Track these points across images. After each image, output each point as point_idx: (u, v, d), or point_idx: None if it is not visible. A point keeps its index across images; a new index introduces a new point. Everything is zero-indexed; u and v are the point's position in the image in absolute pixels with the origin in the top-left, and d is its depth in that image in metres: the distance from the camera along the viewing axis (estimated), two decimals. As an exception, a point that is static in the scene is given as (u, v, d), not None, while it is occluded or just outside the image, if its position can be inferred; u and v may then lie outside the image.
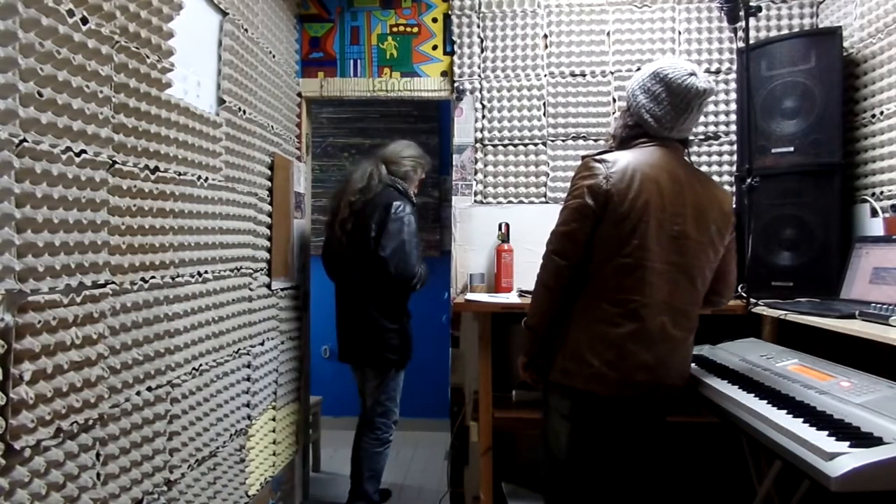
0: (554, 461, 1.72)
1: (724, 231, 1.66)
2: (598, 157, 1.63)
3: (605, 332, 1.57)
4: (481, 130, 2.83)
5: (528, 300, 1.93)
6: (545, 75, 2.79)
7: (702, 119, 2.72)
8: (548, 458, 1.75)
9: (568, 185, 1.71)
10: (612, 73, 2.76)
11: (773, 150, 2.31)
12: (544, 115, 2.79)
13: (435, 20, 2.92)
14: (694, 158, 2.73)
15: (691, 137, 1.78)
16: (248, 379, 2.19)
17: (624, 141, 1.69)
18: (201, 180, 1.81)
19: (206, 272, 1.84)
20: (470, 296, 2.50)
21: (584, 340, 1.60)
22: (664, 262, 1.56)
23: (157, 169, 1.56)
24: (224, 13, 2.01)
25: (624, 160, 1.59)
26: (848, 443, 1.17)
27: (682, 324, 1.61)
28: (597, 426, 1.65)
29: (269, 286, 2.41)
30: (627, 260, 1.56)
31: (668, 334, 1.58)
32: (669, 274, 1.57)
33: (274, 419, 2.51)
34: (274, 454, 2.49)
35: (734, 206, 2.55)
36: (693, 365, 1.90)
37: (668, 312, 1.57)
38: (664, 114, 1.62)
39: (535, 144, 2.80)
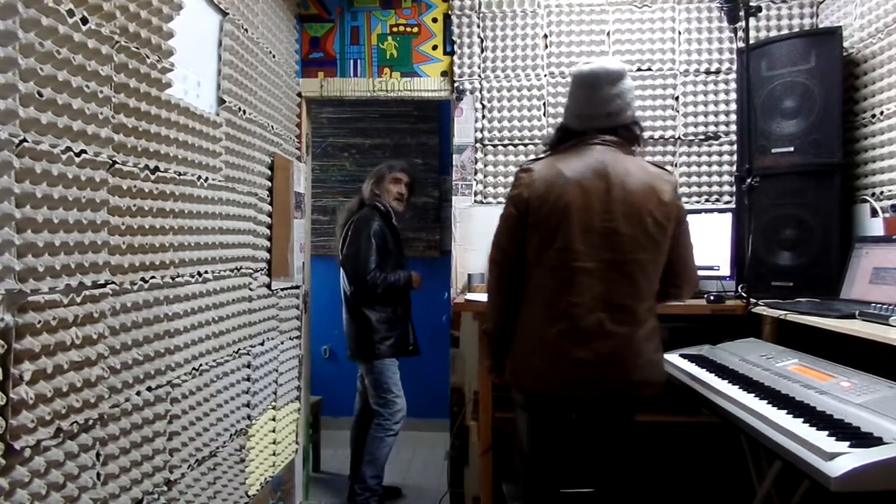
0: (522, 454, 1.79)
1: (665, 222, 1.60)
2: (523, 167, 1.71)
3: (542, 332, 1.63)
4: (481, 130, 2.84)
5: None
6: (545, 75, 2.79)
7: (702, 119, 2.72)
8: (518, 451, 1.83)
9: None
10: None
11: (773, 150, 2.32)
12: (544, 115, 2.80)
13: (435, 20, 2.92)
14: (694, 158, 2.74)
15: (644, 130, 1.73)
16: (248, 379, 2.19)
17: (554, 146, 1.75)
18: (201, 180, 1.81)
19: (206, 272, 1.84)
20: (470, 296, 2.50)
21: (525, 342, 1.67)
22: (595, 260, 1.58)
23: (157, 169, 1.56)
24: (224, 13, 2.01)
25: (547, 166, 1.66)
26: (848, 443, 1.17)
27: (624, 319, 1.58)
28: (550, 422, 1.71)
29: (269, 286, 2.41)
30: (553, 262, 1.61)
31: (606, 330, 1.57)
32: (602, 271, 1.57)
33: (274, 419, 2.51)
34: (274, 454, 2.49)
35: (733, 205, 2.58)
36: (692, 364, 1.91)
37: (604, 309, 1.57)
38: (575, 104, 1.70)
39: (535, 144, 2.80)
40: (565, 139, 1.71)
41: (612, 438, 1.73)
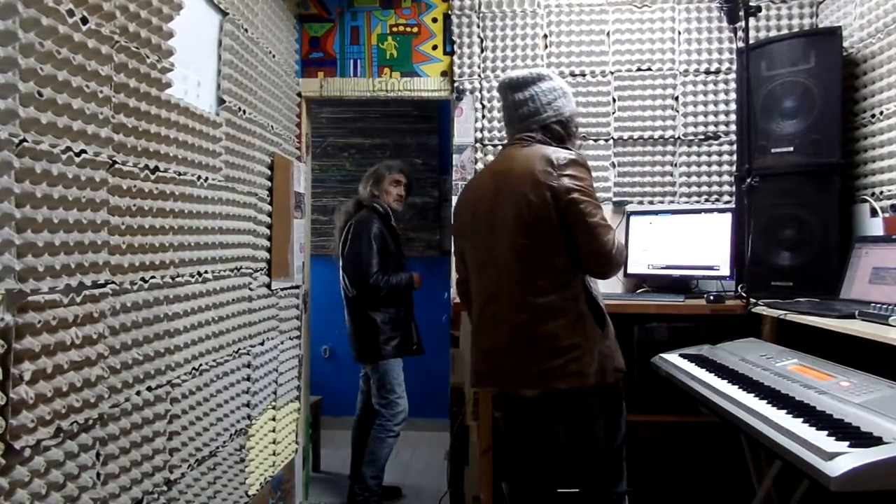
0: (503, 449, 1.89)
1: (541, 203, 1.54)
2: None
3: (472, 329, 1.80)
4: (481, 130, 2.84)
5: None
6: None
7: (702, 119, 2.72)
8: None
9: None
10: (611, 73, 2.77)
11: (773, 150, 2.32)
12: (544, 115, 2.79)
13: (435, 20, 2.92)
14: (693, 158, 2.74)
15: (574, 125, 1.76)
16: (248, 379, 2.19)
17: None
18: (201, 180, 1.81)
19: (206, 272, 1.84)
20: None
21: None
22: (485, 254, 1.68)
23: (157, 169, 1.56)
24: (224, 13, 2.01)
25: (472, 177, 1.85)
26: (848, 442, 1.17)
27: (518, 307, 1.59)
28: (507, 417, 1.80)
29: (269, 286, 2.41)
30: (470, 263, 1.77)
31: (503, 319, 1.63)
32: (499, 263, 1.64)
33: (274, 419, 2.51)
34: (274, 454, 2.49)
35: (733, 205, 2.58)
36: (692, 364, 1.91)
37: (499, 300, 1.64)
38: (503, 117, 1.82)
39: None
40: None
41: (554, 438, 1.74)
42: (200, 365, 1.81)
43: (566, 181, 1.54)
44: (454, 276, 2.90)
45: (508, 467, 1.85)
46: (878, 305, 1.73)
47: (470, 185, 1.86)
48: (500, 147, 2.82)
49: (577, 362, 1.55)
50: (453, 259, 2.83)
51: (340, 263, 2.89)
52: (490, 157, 2.83)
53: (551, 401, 1.64)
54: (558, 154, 1.58)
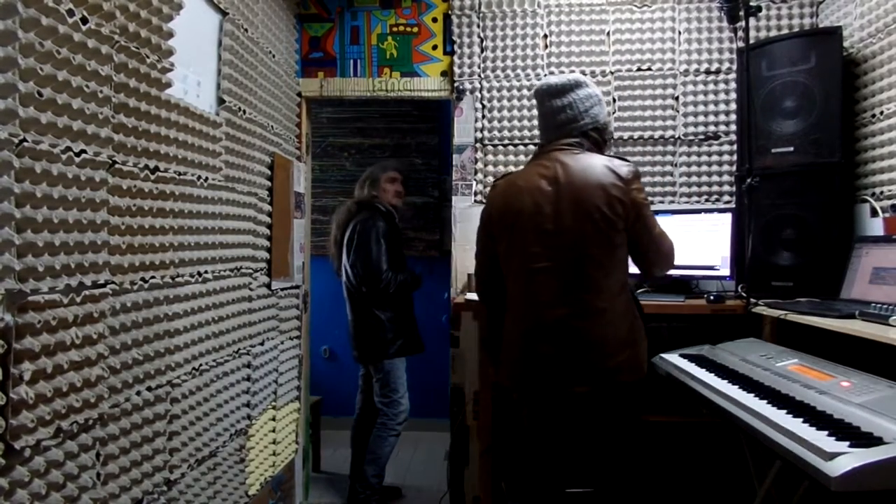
0: (521, 444, 1.90)
1: (614, 217, 1.63)
2: (492, 185, 1.85)
3: (511, 334, 1.76)
4: (481, 130, 2.84)
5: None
6: (545, 75, 2.79)
7: (702, 119, 2.73)
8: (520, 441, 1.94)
9: None
10: (612, 73, 2.76)
11: (773, 150, 2.31)
12: (544, 115, 2.79)
13: (435, 20, 2.92)
14: (694, 158, 2.74)
15: (609, 133, 1.85)
16: (248, 379, 2.19)
17: (529, 162, 1.86)
18: (201, 180, 1.81)
19: (206, 272, 1.84)
20: (470, 296, 2.50)
21: (504, 345, 1.79)
22: (551, 259, 1.67)
23: (157, 169, 1.56)
24: (224, 13, 2.01)
25: (508, 181, 1.78)
26: (848, 443, 1.17)
27: (585, 313, 1.64)
28: (540, 415, 1.79)
29: (269, 286, 2.40)
30: (517, 267, 1.73)
31: (569, 325, 1.64)
32: (558, 270, 1.66)
33: (274, 419, 2.51)
34: (274, 454, 2.49)
35: (733, 205, 2.58)
36: (692, 364, 1.91)
37: (565, 305, 1.65)
38: (539, 122, 1.83)
39: (535, 144, 2.79)
40: (534, 153, 1.84)
41: (602, 431, 1.77)
42: (200, 365, 1.81)
43: (635, 195, 1.66)
44: (454, 276, 2.92)
45: (532, 465, 1.84)
46: (879, 305, 1.73)
47: (513, 189, 1.74)
48: (500, 147, 2.83)
49: (637, 357, 1.70)
50: (458, 259, 2.87)
51: (344, 263, 2.88)
52: (490, 157, 2.83)
53: (605, 394, 1.71)
54: (621, 168, 1.67)
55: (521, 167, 1.86)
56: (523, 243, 1.70)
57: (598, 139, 1.77)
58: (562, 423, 1.78)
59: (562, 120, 1.74)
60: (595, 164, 1.68)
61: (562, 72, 2.77)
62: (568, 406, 1.74)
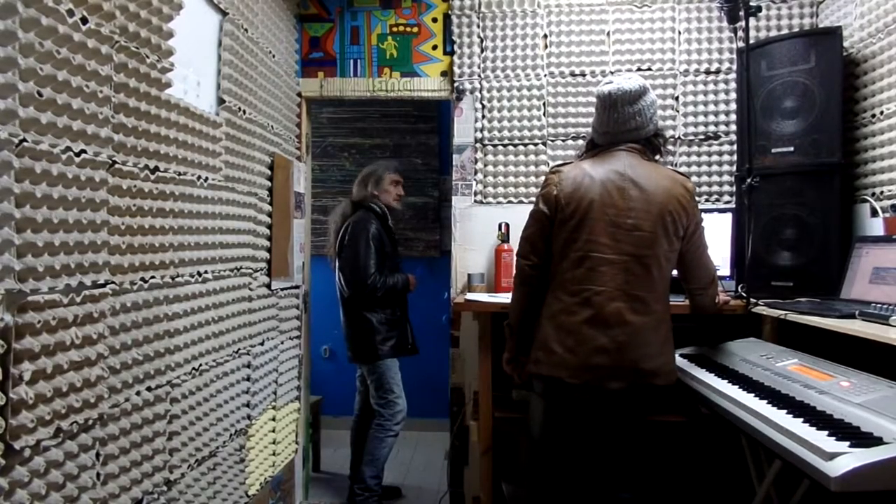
0: (532, 441, 1.88)
1: (681, 224, 1.73)
2: (553, 169, 1.86)
3: (564, 320, 1.73)
4: (481, 130, 2.83)
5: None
6: (545, 75, 2.79)
7: (702, 119, 2.73)
8: (529, 438, 1.93)
9: None
10: (611, 73, 2.76)
11: (773, 150, 2.31)
12: (544, 115, 2.79)
13: (435, 20, 2.92)
14: (693, 158, 2.74)
15: (667, 139, 1.90)
16: (248, 379, 2.19)
17: (583, 155, 1.91)
18: (201, 180, 1.81)
19: (206, 272, 1.84)
20: (470, 296, 2.50)
21: (549, 331, 1.76)
22: (617, 252, 1.70)
23: (157, 169, 1.56)
24: (224, 13, 2.01)
25: (575, 169, 1.80)
26: (848, 443, 1.17)
27: (640, 309, 1.69)
28: (566, 409, 1.78)
29: (269, 286, 2.41)
30: (579, 253, 1.72)
31: (624, 319, 1.68)
32: (623, 263, 1.69)
33: (274, 419, 2.51)
34: (274, 454, 2.49)
35: (733, 205, 2.58)
36: (692, 364, 1.91)
37: (623, 299, 1.69)
38: (598, 122, 1.84)
39: (535, 144, 2.80)
40: (590, 149, 1.87)
41: (624, 432, 1.79)
42: (200, 365, 1.81)
43: (697, 212, 1.78)
44: (454, 276, 2.92)
45: (539, 458, 1.86)
46: (879, 305, 1.73)
47: (585, 178, 1.75)
48: (499, 147, 2.82)
49: (671, 364, 1.75)
50: (457, 259, 2.87)
51: (337, 264, 2.89)
52: (490, 157, 2.83)
53: (637, 394, 1.73)
54: (687, 181, 1.78)
55: (573, 161, 1.88)
56: (591, 232, 1.71)
57: (658, 146, 1.84)
58: (589, 420, 1.78)
59: (632, 126, 1.78)
60: (664, 173, 1.77)
61: (561, 72, 2.77)
62: (598, 402, 1.73)
